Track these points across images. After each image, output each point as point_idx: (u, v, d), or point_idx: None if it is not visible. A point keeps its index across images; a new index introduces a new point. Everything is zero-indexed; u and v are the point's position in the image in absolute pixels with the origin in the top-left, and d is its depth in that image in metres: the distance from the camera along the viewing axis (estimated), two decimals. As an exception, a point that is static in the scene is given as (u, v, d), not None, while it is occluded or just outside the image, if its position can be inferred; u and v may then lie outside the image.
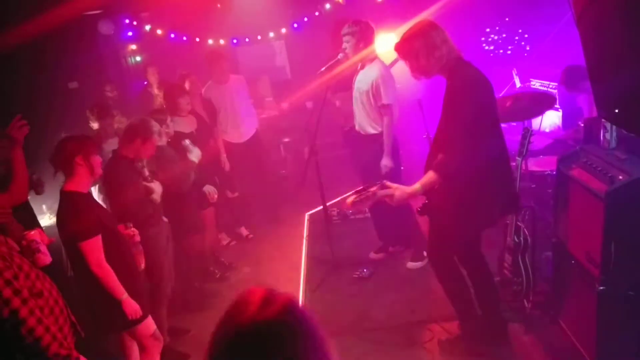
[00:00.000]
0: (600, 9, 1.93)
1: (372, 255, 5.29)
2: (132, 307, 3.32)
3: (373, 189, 3.18)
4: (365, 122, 4.80)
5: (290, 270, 5.29)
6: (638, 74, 1.79)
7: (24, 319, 2.35)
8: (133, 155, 3.91)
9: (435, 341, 3.81)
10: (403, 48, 3.22)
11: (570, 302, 3.48)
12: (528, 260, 3.71)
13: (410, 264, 4.96)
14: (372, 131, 4.77)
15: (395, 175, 4.68)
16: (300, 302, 1.29)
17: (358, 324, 4.20)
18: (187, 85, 5.81)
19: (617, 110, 1.97)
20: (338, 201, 6.40)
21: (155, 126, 4.00)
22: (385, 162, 4.69)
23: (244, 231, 6.27)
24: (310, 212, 6.61)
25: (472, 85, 3.10)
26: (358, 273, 4.93)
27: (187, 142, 4.58)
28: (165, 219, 4.23)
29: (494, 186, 3.23)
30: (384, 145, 4.69)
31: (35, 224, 4.12)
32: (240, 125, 6.08)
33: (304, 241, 5.95)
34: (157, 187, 4.01)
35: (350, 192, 3.27)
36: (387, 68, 4.85)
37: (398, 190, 3.21)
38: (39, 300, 2.53)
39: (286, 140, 7.99)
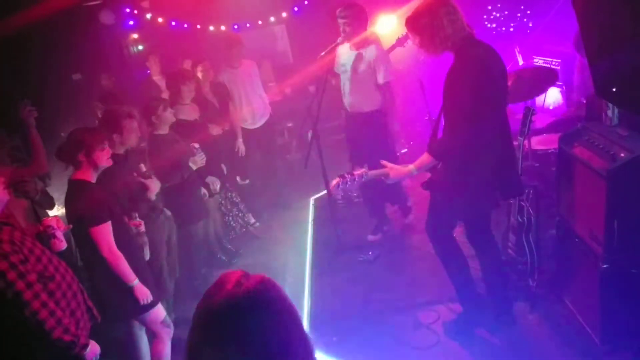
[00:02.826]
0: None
1: (370, 237, 5.34)
2: (143, 292, 3.39)
3: (358, 172, 3.22)
4: (364, 100, 4.91)
5: (297, 255, 5.32)
6: (635, 53, 1.78)
7: (28, 301, 2.44)
8: (121, 150, 3.88)
9: (440, 322, 3.85)
10: (411, 23, 3.19)
11: (574, 280, 3.49)
12: (532, 239, 3.72)
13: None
14: (370, 108, 4.89)
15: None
16: (273, 281, 1.36)
17: (364, 307, 4.24)
18: (199, 72, 5.84)
19: (614, 89, 1.95)
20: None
21: (122, 112, 3.92)
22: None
23: (250, 219, 6.29)
24: (316, 196, 6.61)
25: (476, 69, 3.04)
26: (363, 256, 4.95)
27: (196, 146, 4.56)
28: (168, 213, 4.24)
29: (495, 168, 3.22)
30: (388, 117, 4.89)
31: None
32: (254, 110, 6.11)
33: (310, 226, 5.97)
34: (153, 184, 3.97)
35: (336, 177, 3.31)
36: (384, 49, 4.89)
37: (393, 170, 3.26)
38: (50, 284, 2.60)
39: (290, 125, 7.99)
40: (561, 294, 3.66)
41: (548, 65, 5.48)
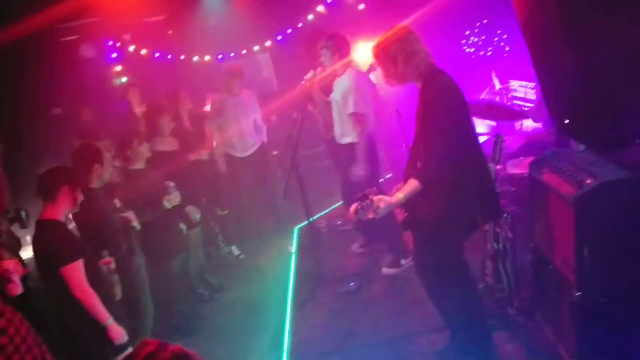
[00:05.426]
0: (542, 20, 1.90)
1: (355, 248, 5.44)
2: (117, 331, 3.33)
3: (373, 196, 3.07)
4: (341, 131, 4.93)
5: (279, 288, 5.24)
6: (582, 86, 1.76)
7: None
8: (98, 184, 3.89)
9: (421, 355, 3.76)
10: (381, 53, 3.19)
11: (551, 308, 3.43)
12: (509, 267, 3.66)
13: (385, 270, 5.01)
14: (348, 140, 4.87)
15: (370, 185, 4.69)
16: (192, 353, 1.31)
17: (345, 341, 4.15)
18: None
19: (567, 121, 1.93)
20: (326, 214, 6.40)
21: (100, 144, 3.97)
22: (356, 170, 4.75)
23: (235, 251, 6.22)
24: (300, 225, 6.55)
25: (449, 92, 3.08)
26: (345, 287, 4.88)
27: (171, 184, 4.52)
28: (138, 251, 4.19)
29: (475, 191, 3.19)
30: (357, 154, 4.75)
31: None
32: (246, 139, 6.16)
33: (293, 256, 5.90)
34: (132, 216, 3.97)
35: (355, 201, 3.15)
36: (361, 77, 4.89)
37: (382, 201, 3.08)
38: (1, 339, 2.52)
39: (275, 153, 7.96)
40: (540, 321, 3.60)
41: (524, 89, 5.52)
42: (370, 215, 3.07)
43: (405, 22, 3.53)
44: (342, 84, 4.79)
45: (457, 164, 3.05)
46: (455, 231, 3.26)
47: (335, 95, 4.87)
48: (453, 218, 3.18)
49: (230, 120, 6.04)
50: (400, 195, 3.09)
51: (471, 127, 3.20)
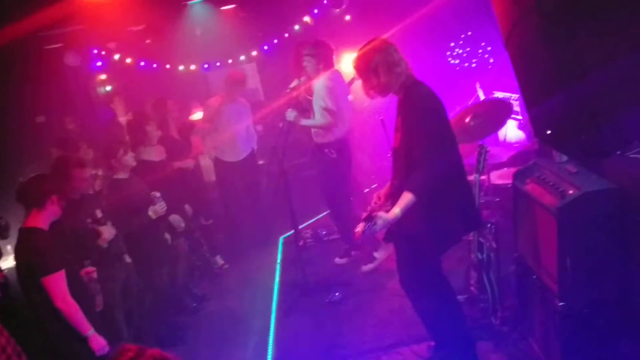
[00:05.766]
0: (524, 31, 1.93)
1: (337, 260, 5.53)
2: (99, 342, 3.29)
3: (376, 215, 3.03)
4: (316, 129, 5.16)
5: (264, 298, 5.21)
6: (564, 97, 1.79)
7: None
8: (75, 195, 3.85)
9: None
10: (363, 65, 3.18)
11: (535, 318, 3.44)
12: (493, 276, 3.68)
13: (365, 268, 5.17)
14: (321, 140, 5.13)
15: (340, 180, 5.23)
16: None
17: (330, 352, 4.13)
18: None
19: (549, 132, 1.96)
20: (312, 223, 6.40)
21: (73, 161, 3.92)
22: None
23: (219, 260, 6.18)
24: (285, 235, 6.54)
25: (432, 102, 3.10)
26: (330, 297, 4.85)
27: (157, 194, 4.47)
28: (127, 259, 4.14)
29: (456, 204, 3.20)
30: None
31: None
32: (238, 144, 6.25)
33: (278, 266, 5.87)
34: (106, 231, 3.90)
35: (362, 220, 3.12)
36: (337, 78, 5.08)
37: (380, 219, 3.04)
38: None
39: (261, 162, 7.95)
40: (524, 331, 3.61)
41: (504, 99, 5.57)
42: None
43: (387, 35, 3.60)
44: (319, 82, 5.00)
45: (445, 173, 3.06)
46: (435, 244, 3.26)
47: (314, 96, 5.07)
48: (434, 231, 3.18)
49: (224, 125, 6.12)
50: (396, 210, 3.04)
51: (453, 138, 3.21)
